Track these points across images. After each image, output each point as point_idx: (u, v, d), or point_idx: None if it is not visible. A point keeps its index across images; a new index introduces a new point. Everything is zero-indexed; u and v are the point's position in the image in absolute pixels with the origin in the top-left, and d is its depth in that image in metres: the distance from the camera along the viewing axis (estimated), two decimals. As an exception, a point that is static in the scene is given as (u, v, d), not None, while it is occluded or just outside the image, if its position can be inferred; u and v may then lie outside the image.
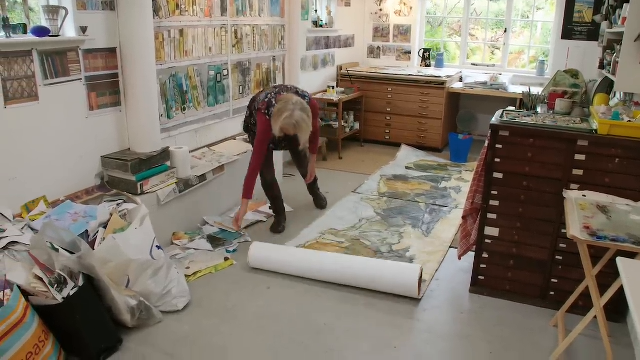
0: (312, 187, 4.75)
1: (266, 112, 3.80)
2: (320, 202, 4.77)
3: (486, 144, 3.17)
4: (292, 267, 3.51)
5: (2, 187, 3.09)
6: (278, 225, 4.30)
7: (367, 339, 2.88)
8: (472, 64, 7.25)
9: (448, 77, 6.46)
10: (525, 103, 3.92)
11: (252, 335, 2.92)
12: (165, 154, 3.86)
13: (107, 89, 3.64)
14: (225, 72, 4.83)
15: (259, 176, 4.04)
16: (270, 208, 4.52)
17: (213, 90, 4.70)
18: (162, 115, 4.10)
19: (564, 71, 4.14)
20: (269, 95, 3.87)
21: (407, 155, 6.38)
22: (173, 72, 4.18)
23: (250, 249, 3.63)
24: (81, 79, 3.45)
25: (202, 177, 4.16)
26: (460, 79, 6.89)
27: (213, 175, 4.31)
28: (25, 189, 3.22)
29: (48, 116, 3.28)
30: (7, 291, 2.34)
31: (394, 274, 3.27)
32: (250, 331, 2.95)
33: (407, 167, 5.96)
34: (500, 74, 6.60)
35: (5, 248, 2.80)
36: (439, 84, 6.34)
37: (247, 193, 3.90)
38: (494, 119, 3.14)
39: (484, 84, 6.37)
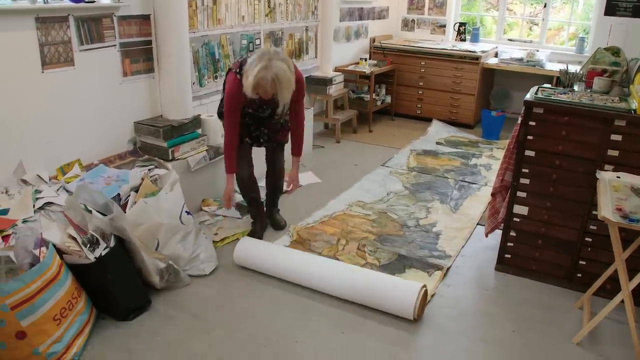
0: (272, 206, 3.88)
1: (237, 70, 3.11)
2: (278, 223, 3.85)
3: (519, 121, 3.12)
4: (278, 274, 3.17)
5: (38, 150, 3.18)
6: (253, 233, 3.63)
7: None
8: (508, 40, 7.08)
9: (483, 52, 6.32)
10: (562, 81, 3.82)
11: (278, 300, 2.97)
12: (196, 121, 3.90)
13: (141, 55, 3.68)
14: (258, 42, 4.82)
15: (234, 175, 3.40)
16: (247, 212, 3.83)
17: (245, 60, 4.70)
18: (194, 83, 4.13)
19: (604, 48, 4.01)
20: (244, 57, 3.18)
21: (438, 131, 6.31)
22: (205, 40, 4.19)
23: (237, 246, 3.30)
24: (115, 45, 3.49)
25: (232, 146, 4.19)
26: (496, 55, 6.74)
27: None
28: (60, 152, 3.30)
29: (83, 81, 3.34)
30: (43, 249, 2.42)
31: (391, 290, 2.83)
32: (275, 297, 3.00)
33: (437, 143, 5.90)
34: (538, 51, 6.43)
35: (41, 208, 2.89)
36: (474, 59, 6.22)
37: (229, 167, 3.33)
38: (529, 95, 3.07)
39: (520, 60, 6.22)
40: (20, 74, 3.00)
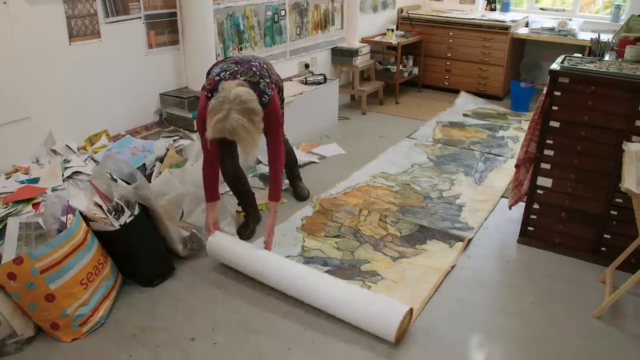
0: (293, 177, 3.80)
1: (208, 94, 2.76)
2: (301, 194, 3.83)
3: (544, 91, 3.06)
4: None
5: (67, 121, 3.26)
6: (246, 227, 3.38)
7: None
8: (540, 9, 6.88)
9: (513, 22, 6.16)
10: (593, 50, 3.72)
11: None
12: (220, 93, 3.93)
13: (166, 27, 3.72)
14: (283, 13, 4.80)
15: (215, 203, 3.06)
16: (238, 204, 3.53)
17: (270, 31, 4.70)
18: (218, 54, 4.15)
19: (638, 16, 3.88)
20: (222, 74, 2.82)
21: (465, 102, 6.22)
22: (230, 11, 4.20)
23: (209, 240, 3.01)
24: (140, 17, 3.53)
25: (257, 118, 4.22)
26: (526, 25, 6.57)
27: (267, 116, 4.36)
28: (88, 123, 3.39)
29: (109, 53, 3.39)
30: (70, 216, 2.51)
31: (372, 309, 2.50)
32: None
33: (464, 115, 5.82)
34: (570, 19, 6.23)
35: (70, 177, 2.99)
36: (503, 29, 6.07)
37: (208, 195, 3.00)
38: (554, 65, 3.01)
39: (552, 29, 6.05)
40: (48, 47, 3.07)
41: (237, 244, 2.97)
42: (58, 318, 2.41)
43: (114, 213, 2.62)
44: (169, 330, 2.54)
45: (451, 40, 6.43)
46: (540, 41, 6.17)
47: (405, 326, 2.51)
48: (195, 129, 3.37)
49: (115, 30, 3.38)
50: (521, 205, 3.38)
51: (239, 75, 2.77)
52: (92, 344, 2.45)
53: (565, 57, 3.19)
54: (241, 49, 4.39)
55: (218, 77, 2.80)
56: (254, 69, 2.86)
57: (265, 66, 2.98)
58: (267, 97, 2.80)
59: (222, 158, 3.08)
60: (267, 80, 2.86)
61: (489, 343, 2.50)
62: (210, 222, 3.00)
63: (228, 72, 2.81)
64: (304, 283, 2.67)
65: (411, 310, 2.51)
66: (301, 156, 4.53)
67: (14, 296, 2.36)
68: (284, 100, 3.34)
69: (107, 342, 2.46)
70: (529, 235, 3.32)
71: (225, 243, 2.96)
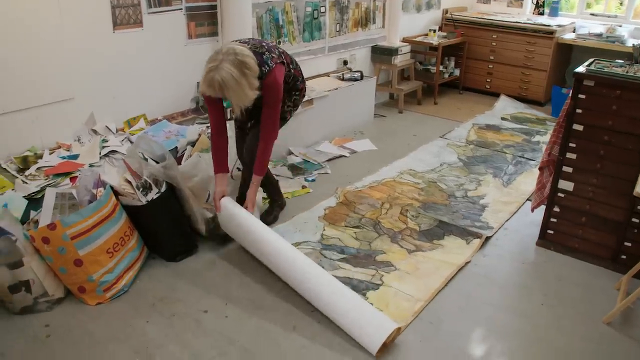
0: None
1: None
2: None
3: (570, 94, 3.06)
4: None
5: (108, 104, 3.48)
6: (269, 214, 3.45)
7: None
8: (590, 14, 6.74)
9: (559, 26, 6.07)
10: (635, 56, 3.66)
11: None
12: (256, 84, 4.08)
13: (206, 19, 3.89)
14: (323, 9, 4.91)
15: (224, 175, 3.07)
16: (263, 191, 3.52)
17: (309, 26, 4.82)
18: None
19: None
20: (231, 42, 2.89)
21: (505, 106, 6.18)
22: (270, 6, 4.34)
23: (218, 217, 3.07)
24: (182, 8, 3.72)
25: (290, 110, 4.35)
26: (574, 30, 6.45)
27: (302, 108, 4.47)
28: (128, 106, 3.60)
29: (150, 42, 3.59)
30: (101, 189, 2.70)
31: (361, 320, 2.47)
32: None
33: (502, 118, 5.79)
34: (620, 26, 6.10)
35: (106, 155, 3.19)
36: (548, 34, 6.00)
37: (216, 166, 3.01)
38: (580, 67, 3.01)
39: (599, 35, 5.93)
40: (93, 34, 3.28)
41: (239, 228, 2.96)
42: (85, 282, 2.61)
43: (141, 189, 2.80)
44: (185, 302, 2.70)
45: (495, 43, 6.40)
46: (588, 47, 6.05)
47: (390, 340, 2.44)
48: (229, 117, 3.54)
49: (157, 20, 3.58)
50: (544, 208, 3.38)
51: (246, 44, 2.79)
52: (114, 309, 2.64)
53: (594, 60, 3.17)
54: (279, 43, 4.53)
55: (232, 42, 2.85)
56: (264, 44, 2.90)
57: (280, 50, 2.99)
58: (267, 68, 2.78)
59: (240, 151, 3.26)
60: (273, 55, 2.86)
61: (490, 338, 2.54)
62: (218, 196, 3.00)
63: (238, 41, 2.86)
64: (297, 275, 2.69)
65: (398, 329, 2.46)
66: (332, 150, 4.65)
67: (47, 259, 2.57)
68: (299, 93, 3.26)
69: (128, 308, 2.64)
70: (548, 238, 3.32)
71: (230, 227, 3.03)
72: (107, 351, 2.37)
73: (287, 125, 3.41)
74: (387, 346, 2.43)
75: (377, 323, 2.43)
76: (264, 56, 2.80)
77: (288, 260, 2.73)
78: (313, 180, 4.09)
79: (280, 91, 2.90)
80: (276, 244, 2.81)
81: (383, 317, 2.48)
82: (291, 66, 3.08)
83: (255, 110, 2.99)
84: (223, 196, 3.03)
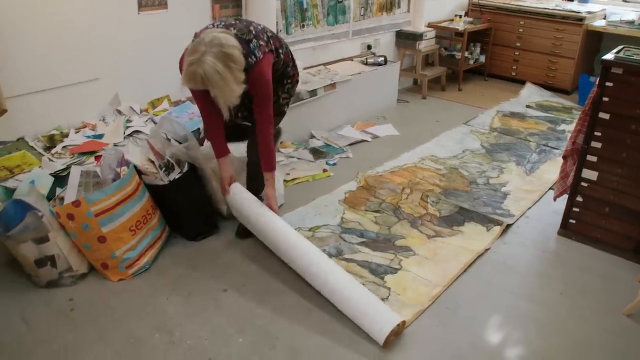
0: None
1: (195, 40, 2.53)
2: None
3: (596, 82, 3.01)
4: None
5: (133, 84, 3.52)
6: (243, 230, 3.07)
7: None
8: (623, 0, 6.57)
9: (589, 13, 5.94)
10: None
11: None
12: (279, 67, 4.08)
13: (230, 1, 3.90)
14: (347, -7, 4.88)
15: (226, 158, 2.95)
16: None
17: (333, 10, 4.79)
18: (280, 30, 4.29)
19: None
20: (215, 24, 2.67)
21: (530, 94, 6.09)
22: (294, -12, 4.32)
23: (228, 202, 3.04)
24: (206, -10, 3.72)
25: (313, 92, 4.35)
26: (604, 17, 6.31)
27: (324, 92, 4.48)
28: (152, 87, 3.63)
29: (175, 23, 3.61)
30: (124, 168, 2.75)
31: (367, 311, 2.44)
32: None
33: (527, 106, 5.71)
34: (653, 13, 5.94)
35: (130, 135, 3.24)
36: (577, 20, 5.87)
37: (217, 151, 2.89)
38: (609, 55, 2.95)
39: (631, 22, 5.78)
40: (118, 15, 3.31)
41: (248, 215, 2.90)
42: (108, 259, 2.66)
43: (164, 169, 2.84)
44: (205, 280, 2.75)
45: (522, 30, 6.29)
46: (619, 35, 5.91)
47: (398, 332, 2.42)
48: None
49: (182, 2, 3.59)
50: (566, 198, 3.34)
51: (232, 28, 2.53)
52: (135, 285, 2.70)
53: (623, 47, 3.11)
54: (303, 26, 4.52)
55: (212, 26, 2.59)
56: (251, 28, 2.62)
57: (269, 34, 2.72)
58: (254, 59, 2.52)
59: (248, 151, 3.00)
60: (262, 43, 2.59)
61: (507, 326, 2.53)
62: (225, 182, 2.91)
63: (222, 23, 2.59)
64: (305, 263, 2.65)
65: (403, 322, 2.43)
66: (354, 134, 4.64)
67: (72, 235, 2.63)
68: (290, 81, 3.04)
69: (149, 285, 2.70)
70: (569, 228, 3.28)
71: (239, 216, 3.00)
72: (128, 326, 2.43)
73: (309, 109, 3.38)
74: (396, 337, 2.41)
75: (382, 317, 2.39)
76: (250, 44, 2.54)
77: (302, 258, 2.67)
78: (334, 164, 4.10)
79: (269, 85, 2.67)
80: (285, 237, 2.74)
81: (388, 312, 2.43)
82: (280, 51, 2.81)
83: (244, 108, 2.85)
84: (232, 181, 2.94)
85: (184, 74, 2.36)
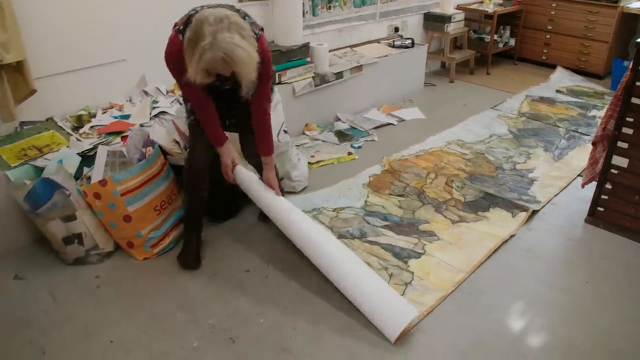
0: None
1: (181, 28, 2.32)
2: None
3: (630, 66, 2.92)
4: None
5: (159, 66, 3.50)
6: (185, 255, 2.74)
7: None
8: (661, -18, 6.35)
9: (625, -6, 5.76)
10: None
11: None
12: (305, 48, 4.06)
13: (257, -19, 3.87)
14: (375, -27, 4.81)
15: (226, 145, 2.71)
16: (181, 220, 2.91)
17: (360, -9, 4.74)
18: (306, 12, 4.27)
19: None
20: (197, 8, 2.35)
21: (561, 78, 5.95)
22: (322, -31, 4.28)
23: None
24: (233, -30, 3.70)
25: (339, 75, 4.32)
26: (642, -2, 6.11)
27: (350, 74, 4.44)
28: (178, 68, 3.63)
29: (200, 4, 3.59)
30: (150, 148, 2.78)
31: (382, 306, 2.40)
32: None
33: (557, 91, 5.58)
34: (693, -5, 5.73)
35: (156, 116, 3.26)
36: (612, 3, 5.69)
37: (215, 141, 2.64)
38: (643, 38, 2.86)
39: (669, 5, 5.60)
40: (145, -3, 3.33)
41: (257, 200, 2.80)
42: (133, 238, 2.70)
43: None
44: (228, 261, 2.78)
45: (553, 12, 6.13)
46: (655, 18, 5.74)
47: (411, 326, 2.37)
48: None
49: (210, -18, 3.59)
50: (595, 185, 3.27)
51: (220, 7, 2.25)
52: (160, 264, 2.74)
53: (659, 31, 3.00)
54: (330, 7, 4.48)
55: (193, 11, 2.31)
56: (236, 7, 2.37)
57: (252, 20, 2.40)
58: (255, 35, 2.28)
59: (196, 146, 2.68)
60: (253, 21, 2.38)
61: (530, 312, 2.51)
62: (227, 168, 2.72)
63: (207, 6, 2.31)
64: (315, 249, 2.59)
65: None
66: (380, 117, 4.61)
67: (98, 214, 2.67)
68: None
69: (173, 264, 2.74)
70: (597, 215, 3.22)
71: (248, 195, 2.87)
72: (152, 304, 2.47)
73: (335, 92, 3.30)
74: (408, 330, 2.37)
75: (396, 313, 2.35)
76: (245, 19, 2.30)
77: (314, 250, 2.59)
78: (359, 147, 4.08)
79: (271, 62, 2.49)
80: (294, 225, 2.66)
81: (403, 306, 2.39)
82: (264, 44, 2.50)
83: (233, 113, 2.73)
84: (234, 165, 2.76)
85: (198, 65, 2.09)
